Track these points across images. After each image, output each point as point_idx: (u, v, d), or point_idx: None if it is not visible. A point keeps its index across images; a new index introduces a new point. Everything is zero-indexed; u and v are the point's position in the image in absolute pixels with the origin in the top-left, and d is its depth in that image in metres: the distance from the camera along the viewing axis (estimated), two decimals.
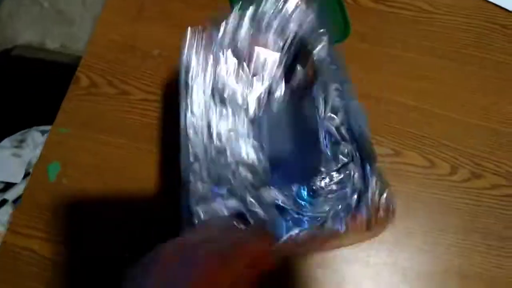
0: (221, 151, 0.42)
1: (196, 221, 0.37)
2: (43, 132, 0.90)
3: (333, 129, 0.40)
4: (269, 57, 0.46)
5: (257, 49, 0.45)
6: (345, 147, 0.39)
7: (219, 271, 0.27)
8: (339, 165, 0.38)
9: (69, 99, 0.56)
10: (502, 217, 0.50)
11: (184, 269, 0.27)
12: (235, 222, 0.36)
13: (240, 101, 0.45)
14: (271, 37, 0.45)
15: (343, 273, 0.48)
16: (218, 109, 0.44)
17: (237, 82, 0.45)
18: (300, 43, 0.45)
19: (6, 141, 0.89)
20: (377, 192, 0.37)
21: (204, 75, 0.44)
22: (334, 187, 0.37)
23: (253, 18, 0.45)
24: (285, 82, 0.45)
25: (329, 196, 0.37)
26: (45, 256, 0.50)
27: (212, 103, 0.43)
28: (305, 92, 0.43)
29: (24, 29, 0.65)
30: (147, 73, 0.57)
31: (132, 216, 0.51)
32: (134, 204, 0.52)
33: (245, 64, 0.45)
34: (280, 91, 0.46)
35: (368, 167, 0.37)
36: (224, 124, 0.43)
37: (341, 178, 0.38)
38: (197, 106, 0.43)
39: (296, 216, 0.37)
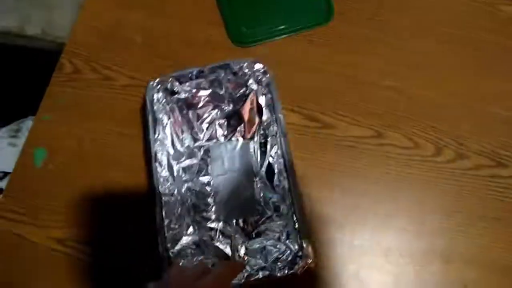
0: (180, 187, 0.48)
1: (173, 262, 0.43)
2: None
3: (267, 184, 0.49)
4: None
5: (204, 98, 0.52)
6: (278, 202, 0.47)
7: None
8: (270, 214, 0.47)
9: (52, 86, 0.57)
10: (486, 197, 0.50)
11: None
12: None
13: (192, 143, 0.51)
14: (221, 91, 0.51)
15: (327, 254, 0.48)
16: (176, 152, 0.50)
17: (188, 128, 0.52)
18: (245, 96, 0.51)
19: (2, 131, 0.90)
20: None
21: (167, 118, 0.50)
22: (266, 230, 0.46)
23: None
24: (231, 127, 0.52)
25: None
26: (32, 240, 0.50)
27: (171, 147, 0.49)
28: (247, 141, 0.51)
29: (1, 15, 0.65)
30: (131, 59, 0.57)
31: (117, 200, 0.52)
32: (118, 189, 0.52)
33: (193, 113, 0.52)
34: (225, 135, 0.52)
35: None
36: (183, 163, 0.50)
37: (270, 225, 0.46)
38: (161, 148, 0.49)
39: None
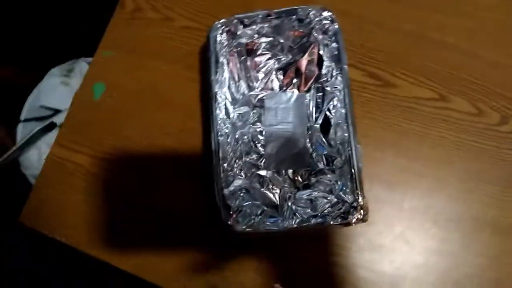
0: (235, 131, 0.48)
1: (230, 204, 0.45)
2: (90, 64, 0.93)
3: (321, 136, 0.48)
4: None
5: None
6: (332, 155, 0.47)
7: None
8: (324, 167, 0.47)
9: (114, 23, 0.57)
10: None
11: None
12: None
13: (247, 91, 0.50)
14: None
15: (374, 214, 0.48)
16: (232, 97, 0.50)
17: (244, 75, 0.51)
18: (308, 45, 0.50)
19: (56, 70, 0.93)
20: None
21: (226, 62, 0.50)
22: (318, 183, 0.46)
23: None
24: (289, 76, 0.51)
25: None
26: (88, 169, 0.53)
27: (228, 92, 0.49)
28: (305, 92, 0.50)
29: None
30: (192, 1, 0.57)
31: (170, 140, 0.53)
32: (172, 129, 0.53)
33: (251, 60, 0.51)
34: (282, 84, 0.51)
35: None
36: (238, 110, 0.50)
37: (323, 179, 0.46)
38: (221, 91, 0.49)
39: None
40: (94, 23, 0.68)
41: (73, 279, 0.96)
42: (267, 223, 0.45)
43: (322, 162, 0.47)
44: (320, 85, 0.49)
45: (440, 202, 0.48)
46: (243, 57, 0.51)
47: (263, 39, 0.51)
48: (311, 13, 0.48)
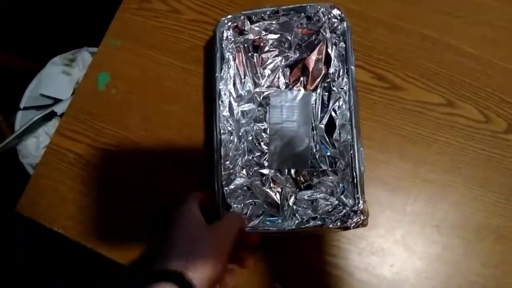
0: (238, 129, 0.48)
1: (229, 203, 0.44)
2: (92, 54, 0.92)
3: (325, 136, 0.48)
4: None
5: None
6: (336, 157, 0.46)
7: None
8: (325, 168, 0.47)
9: (122, 12, 0.56)
10: None
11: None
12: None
13: (252, 88, 0.50)
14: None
15: (376, 217, 0.48)
16: (237, 94, 0.49)
17: (250, 72, 0.50)
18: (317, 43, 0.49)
19: (58, 59, 0.92)
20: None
21: (232, 58, 0.49)
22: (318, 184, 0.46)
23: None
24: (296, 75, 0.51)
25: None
26: (88, 160, 0.52)
27: (233, 89, 0.49)
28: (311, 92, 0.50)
29: None
30: None
31: (172, 134, 0.52)
32: (175, 123, 0.52)
33: (258, 57, 0.51)
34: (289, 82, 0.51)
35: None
36: (242, 107, 0.50)
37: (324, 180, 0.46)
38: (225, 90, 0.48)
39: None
40: (99, 13, 0.67)
41: (72, 268, 0.96)
42: (267, 223, 0.44)
43: (325, 163, 0.47)
44: (327, 85, 0.49)
45: (444, 208, 0.48)
46: (249, 54, 0.50)
47: (271, 36, 0.50)
48: (320, 11, 0.48)
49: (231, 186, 0.45)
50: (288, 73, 0.51)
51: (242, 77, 0.50)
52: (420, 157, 0.49)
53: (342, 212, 0.43)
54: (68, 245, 0.51)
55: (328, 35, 0.48)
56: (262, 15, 0.49)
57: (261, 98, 0.50)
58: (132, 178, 0.51)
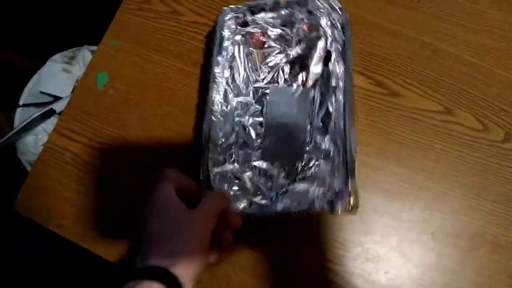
0: (232, 119, 0.48)
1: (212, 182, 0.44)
2: (93, 52, 0.92)
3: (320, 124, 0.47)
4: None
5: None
6: (329, 146, 0.45)
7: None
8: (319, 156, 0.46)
9: (122, 12, 0.56)
10: None
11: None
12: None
13: (251, 81, 0.50)
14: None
15: (372, 223, 0.48)
16: (234, 84, 0.49)
17: (250, 65, 0.50)
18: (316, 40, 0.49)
19: (58, 56, 0.92)
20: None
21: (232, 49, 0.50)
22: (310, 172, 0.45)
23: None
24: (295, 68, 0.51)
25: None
26: (85, 159, 0.52)
27: (230, 78, 0.49)
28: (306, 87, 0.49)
29: None
30: None
31: (169, 136, 0.52)
32: (172, 124, 0.52)
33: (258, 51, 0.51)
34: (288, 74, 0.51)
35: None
36: (240, 99, 0.49)
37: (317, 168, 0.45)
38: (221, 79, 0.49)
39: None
40: (100, 11, 0.67)
41: (73, 268, 0.95)
42: (253, 206, 0.44)
43: (319, 156, 0.46)
44: (325, 81, 0.48)
45: (440, 216, 0.48)
46: (250, 47, 0.50)
47: (272, 31, 0.50)
48: (320, 5, 0.48)
49: (218, 170, 0.45)
50: (287, 69, 0.50)
51: (241, 69, 0.50)
52: (417, 164, 0.49)
53: (330, 196, 0.42)
54: (69, 244, 0.50)
55: (328, 30, 0.48)
56: (263, 7, 0.49)
57: (259, 93, 0.50)
58: (129, 178, 0.51)
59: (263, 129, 0.49)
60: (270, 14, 0.49)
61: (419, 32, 0.53)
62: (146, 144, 0.52)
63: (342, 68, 0.47)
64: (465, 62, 0.51)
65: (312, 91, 0.49)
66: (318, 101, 0.48)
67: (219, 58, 0.48)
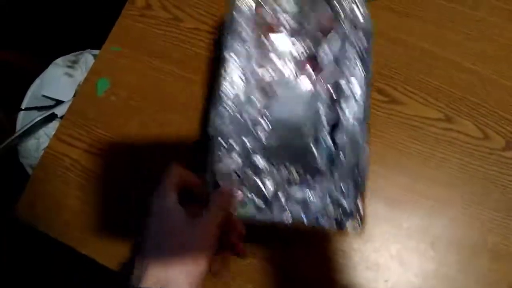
0: (240, 116, 0.46)
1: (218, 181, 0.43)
2: (95, 57, 0.92)
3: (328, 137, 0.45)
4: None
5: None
6: (335, 158, 0.44)
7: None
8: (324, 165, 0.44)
9: (123, 18, 0.57)
10: None
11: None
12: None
13: (261, 74, 0.48)
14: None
15: (372, 231, 0.48)
16: (245, 76, 0.47)
17: (261, 57, 0.48)
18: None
19: (60, 60, 0.93)
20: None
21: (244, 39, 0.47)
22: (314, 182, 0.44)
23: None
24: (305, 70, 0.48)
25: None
26: (85, 165, 0.52)
27: (240, 69, 0.46)
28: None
29: None
30: (202, 2, 0.56)
31: (169, 142, 0.52)
32: (172, 131, 0.52)
33: (271, 42, 0.48)
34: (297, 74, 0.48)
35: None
36: (247, 92, 0.47)
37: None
38: (233, 76, 0.46)
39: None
40: (102, 15, 0.67)
41: (75, 273, 0.95)
42: (254, 211, 0.43)
43: (323, 162, 0.45)
44: (338, 82, 0.46)
45: (440, 225, 0.48)
46: (262, 38, 0.48)
47: (288, 22, 0.48)
48: (344, 3, 0.46)
49: (223, 166, 0.44)
50: (299, 64, 0.48)
51: (252, 60, 0.48)
52: (417, 172, 0.49)
53: (338, 213, 0.42)
54: (71, 248, 0.51)
55: (348, 31, 0.46)
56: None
57: (269, 86, 0.48)
58: (129, 185, 0.51)
59: (268, 125, 0.47)
60: (288, 5, 0.47)
61: (420, 39, 0.53)
62: (147, 150, 0.52)
63: (360, 75, 0.45)
64: (465, 69, 0.51)
65: (323, 91, 0.47)
66: (329, 102, 0.46)
67: (231, 45, 0.45)
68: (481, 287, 0.46)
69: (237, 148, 0.45)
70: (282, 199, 0.44)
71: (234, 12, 0.46)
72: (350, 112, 0.45)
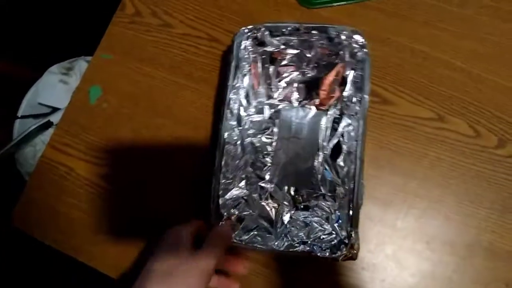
0: (245, 140, 0.48)
1: (223, 213, 0.44)
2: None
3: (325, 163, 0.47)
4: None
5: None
6: (336, 183, 0.46)
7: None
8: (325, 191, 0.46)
9: (113, 26, 0.57)
10: None
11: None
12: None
13: (265, 99, 0.50)
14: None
15: (367, 232, 0.48)
16: (248, 104, 0.49)
17: (265, 83, 0.50)
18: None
19: (55, 67, 0.93)
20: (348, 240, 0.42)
21: (248, 68, 0.49)
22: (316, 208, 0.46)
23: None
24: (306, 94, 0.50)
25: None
26: (80, 174, 0.52)
27: (244, 98, 0.48)
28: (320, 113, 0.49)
29: None
30: (192, 7, 0.56)
31: (163, 149, 0.52)
32: (166, 137, 0.52)
33: (274, 69, 0.50)
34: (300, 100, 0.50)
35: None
36: (251, 117, 0.49)
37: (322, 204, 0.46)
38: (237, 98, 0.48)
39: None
40: (96, 22, 0.67)
41: (74, 274, 0.96)
42: (258, 238, 0.44)
43: (325, 187, 0.46)
44: (339, 107, 0.48)
45: (435, 224, 0.48)
46: (266, 65, 0.49)
47: (290, 51, 0.49)
48: (342, 34, 0.46)
49: (227, 197, 0.45)
50: (302, 90, 0.50)
51: (256, 87, 0.49)
52: (410, 172, 0.49)
53: (333, 242, 0.43)
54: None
55: (347, 58, 0.47)
56: (283, 30, 0.48)
57: (272, 110, 0.50)
58: (123, 192, 0.51)
59: (273, 149, 0.49)
60: (287, 37, 0.48)
61: (410, 40, 0.52)
62: (140, 157, 0.52)
63: (357, 104, 0.46)
64: (456, 68, 0.51)
65: (325, 116, 0.49)
66: (330, 127, 0.48)
67: (235, 83, 0.47)
68: (477, 285, 0.46)
69: (242, 177, 0.47)
70: (287, 223, 0.45)
71: (236, 49, 0.47)
72: (348, 137, 0.46)
